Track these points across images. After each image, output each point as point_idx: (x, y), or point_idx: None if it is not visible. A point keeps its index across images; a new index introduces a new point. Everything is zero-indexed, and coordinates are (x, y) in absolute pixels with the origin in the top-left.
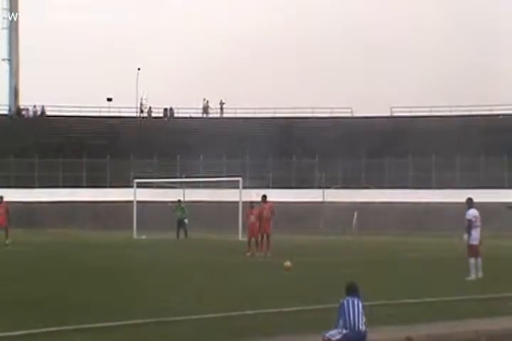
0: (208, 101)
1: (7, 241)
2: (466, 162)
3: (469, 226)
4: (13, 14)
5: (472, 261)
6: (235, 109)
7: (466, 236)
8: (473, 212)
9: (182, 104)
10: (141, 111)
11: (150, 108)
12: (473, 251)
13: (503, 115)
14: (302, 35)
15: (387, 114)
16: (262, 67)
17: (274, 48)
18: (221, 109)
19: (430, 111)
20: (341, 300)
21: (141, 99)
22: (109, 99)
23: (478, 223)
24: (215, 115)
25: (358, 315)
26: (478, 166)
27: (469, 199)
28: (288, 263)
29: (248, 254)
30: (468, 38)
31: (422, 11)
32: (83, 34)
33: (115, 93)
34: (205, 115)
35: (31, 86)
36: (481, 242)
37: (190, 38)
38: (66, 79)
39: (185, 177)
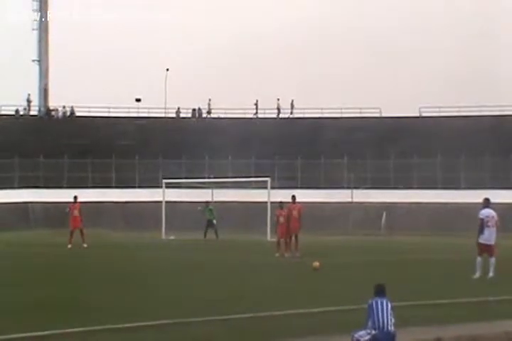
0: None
1: (84, 245)
2: (496, 162)
3: (481, 225)
4: (42, 15)
5: (479, 259)
6: (264, 109)
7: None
8: (486, 212)
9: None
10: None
11: (178, 108)
12: (481, 249)
13: None
14: (329, 35)
15: (416, 114)
16: (290, 68)
17: (302, 49)
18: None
19: (459, 111)
20: (370, 301)
21: (209, 99)
22: (138, 100)
23: (491, 223)
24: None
25: (387, 316)
26: (508, 166)
27: (485, 200)
28: (316, 264)
29: (277, 255)
30: (493, 36)
31: (447, 9)
32: (112, 34)
33: (144, 94)
34: (278, 115)
35: (61, 87)
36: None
37: (219, 37)
38: (95, 80)
39: (214, 178)
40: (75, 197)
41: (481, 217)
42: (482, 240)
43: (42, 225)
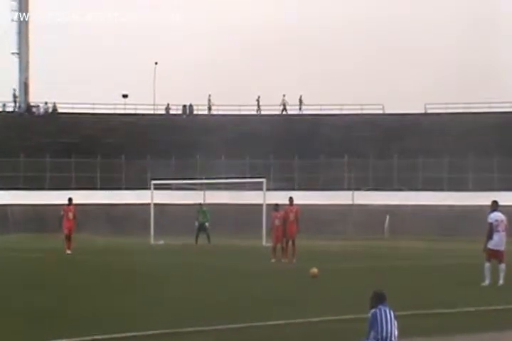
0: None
1: (69, 252)
2: (505, 162)
3: (490, 229)
4: (23, 9)
5: (487, 265)
6: (262, 105)
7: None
8: (495, 216)
9: (202, 101)
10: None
11: (168, 105)
12: (490, 255)
13: None
14: (331, 30)
15: (421, 110)
16: (288, 63)
17: (301, 44)
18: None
19: (467, 107)
20: (373, 310)
21: (209, 95)
22: (125, 96)
23: (500, 227)
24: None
25: (391, 327)
26: None
27: (494, 202)
28: (315, 270)
29: (273, 261)
30: (501, 31)
31: (454, 3)
32: (98, 27)
33: (131, 89)
34: (284, 113)
35: (42, 82)
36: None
37: (209, 33)
38: (79, 75)
39: (206, 179)
40: (70, 199)
41: (490, 221)
42: (491, 245)
43: (21, 229)
